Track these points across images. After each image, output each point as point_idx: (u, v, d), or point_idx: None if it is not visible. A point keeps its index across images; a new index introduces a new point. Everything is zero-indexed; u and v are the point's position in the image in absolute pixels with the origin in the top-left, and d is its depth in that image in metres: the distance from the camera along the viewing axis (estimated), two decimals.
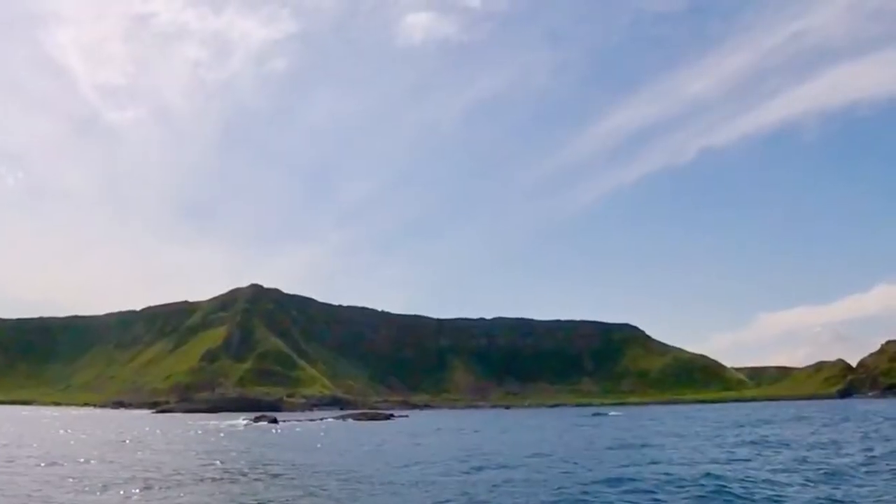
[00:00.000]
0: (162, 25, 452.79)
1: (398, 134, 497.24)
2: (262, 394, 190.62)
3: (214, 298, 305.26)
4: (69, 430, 69.56)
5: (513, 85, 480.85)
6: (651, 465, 31.02)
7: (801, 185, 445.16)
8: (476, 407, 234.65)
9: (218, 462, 34.57)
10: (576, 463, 32.79)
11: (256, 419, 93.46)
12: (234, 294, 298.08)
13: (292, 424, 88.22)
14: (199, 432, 67.62)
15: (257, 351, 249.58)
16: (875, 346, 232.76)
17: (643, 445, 43.80)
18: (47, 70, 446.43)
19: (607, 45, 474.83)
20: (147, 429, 74.41)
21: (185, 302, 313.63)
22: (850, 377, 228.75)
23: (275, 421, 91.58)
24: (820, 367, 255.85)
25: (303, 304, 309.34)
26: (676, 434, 55.42)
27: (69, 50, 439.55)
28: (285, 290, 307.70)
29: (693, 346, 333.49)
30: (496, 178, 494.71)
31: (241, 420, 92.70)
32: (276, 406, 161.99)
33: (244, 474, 29.31)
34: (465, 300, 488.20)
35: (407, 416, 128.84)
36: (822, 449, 36.98)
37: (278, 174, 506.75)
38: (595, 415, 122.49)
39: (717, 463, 30.92)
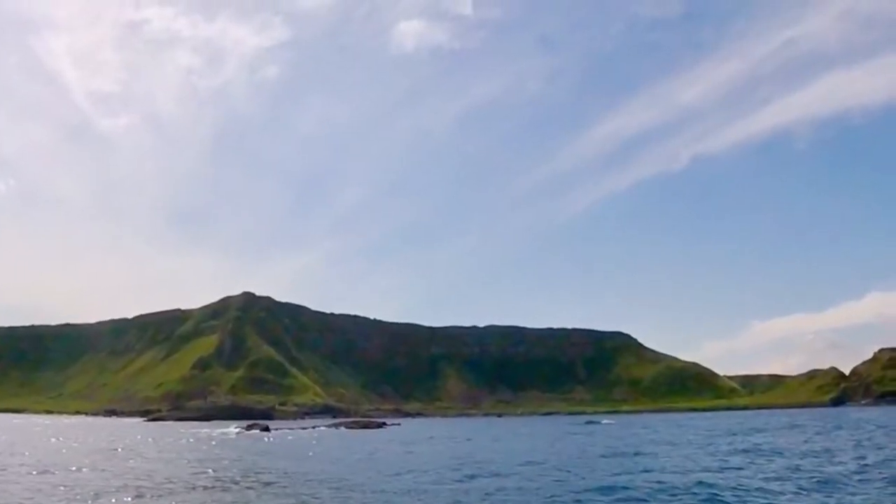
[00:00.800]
0: (154, 33, 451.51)
1: (391, 141, 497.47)
2: (254, 402, 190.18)
3: (206, 306, 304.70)
4: (61, 439, 69.22)
5: (506, 92, 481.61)
6: (644, 473, 31.03)
7: (793, 193, 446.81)
8: (468, 415, 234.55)
9: (210, 470, 34.43)
10: (568, 471, 32.79)
11: (248, 427, 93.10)
12: (225, 302, 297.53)
13: (284, 433, 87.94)
14: (191, 440, 67.35)
15: (249, 359, 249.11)
16: (868, 354, 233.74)
17: (636, 454, 43.78)
18: (39, 76, 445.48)
19: (601, 51, 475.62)
20: (139, 437, 74.11)
21: (178, 310, 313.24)
22: (843, 385, 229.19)
23: (267, 429, 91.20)
24: (813, 375, 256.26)
25: (295, 312, 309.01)
26: (669, 442, 55.44)
27: (62, 56, 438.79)
28: (277, 298, 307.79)
29: (686, 354, 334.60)
30: (489, 185, 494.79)
31: (232, 428, 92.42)
32: (268, 414, 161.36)
33: (236, 483, 29.21)
34: (457, 308, 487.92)
35: (399, 424, 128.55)
36: (814, 457, 37.03)
37: (271, 181, 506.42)
38: (587, 423, 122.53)
39: (709, 471, 30.93)
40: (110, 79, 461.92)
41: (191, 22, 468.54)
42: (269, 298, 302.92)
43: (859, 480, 26.60)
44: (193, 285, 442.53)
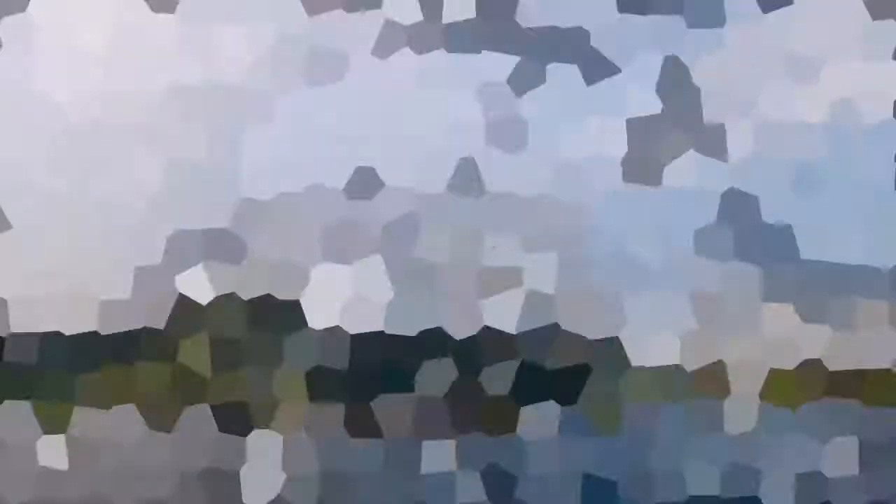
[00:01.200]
0: (149, 36, 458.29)
1: (394, 143, 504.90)
2: (246, 402, 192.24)
3: (202, 306, 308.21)
4: None
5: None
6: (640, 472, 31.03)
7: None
8: None
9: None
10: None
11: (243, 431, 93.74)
12: (219, 301, 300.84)
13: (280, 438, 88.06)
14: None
15: (239, 360, 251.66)
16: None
17: (635, 456, 43.94)
18: (37, 78, 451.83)
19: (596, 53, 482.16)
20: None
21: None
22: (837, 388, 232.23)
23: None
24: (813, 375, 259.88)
25: (291, 309, 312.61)
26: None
27: (56, 58, 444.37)
28: (273, 296, 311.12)
29: (684, 359, 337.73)
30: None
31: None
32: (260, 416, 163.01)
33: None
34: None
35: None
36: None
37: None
38: (586, 426, 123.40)
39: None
40: (105, 81, 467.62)
41: (185, 25, 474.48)
42: (260, 298, 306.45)
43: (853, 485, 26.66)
44: (191, 287, 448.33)
